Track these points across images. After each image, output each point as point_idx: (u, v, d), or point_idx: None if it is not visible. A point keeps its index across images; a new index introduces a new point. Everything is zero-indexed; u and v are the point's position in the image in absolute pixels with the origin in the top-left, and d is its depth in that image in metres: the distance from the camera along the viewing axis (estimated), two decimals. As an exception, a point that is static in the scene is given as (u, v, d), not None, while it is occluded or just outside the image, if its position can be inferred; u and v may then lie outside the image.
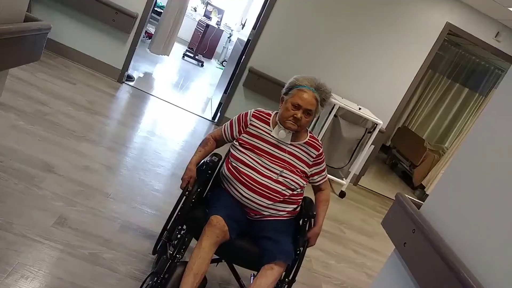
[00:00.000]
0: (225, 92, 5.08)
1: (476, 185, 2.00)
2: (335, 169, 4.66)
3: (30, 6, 4.41)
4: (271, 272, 1.77)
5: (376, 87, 5.03)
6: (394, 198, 2.43)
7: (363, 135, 4.57)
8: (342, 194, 4.69)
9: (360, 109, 4.55)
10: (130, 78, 5.11)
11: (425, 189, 5.95)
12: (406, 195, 2.42)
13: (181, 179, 2.00)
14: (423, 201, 2.30)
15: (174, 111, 4.97)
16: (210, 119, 5.19)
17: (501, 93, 2.14)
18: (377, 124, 4.51)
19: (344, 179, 4.74)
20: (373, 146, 5.11)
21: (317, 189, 2.17)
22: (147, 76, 6.05)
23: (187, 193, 1.95)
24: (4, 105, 3.03)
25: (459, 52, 7.19)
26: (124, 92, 4.75)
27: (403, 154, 6.92)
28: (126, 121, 4.06)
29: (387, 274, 2.40)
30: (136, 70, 5.73)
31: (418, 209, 2.30)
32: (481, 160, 2.04)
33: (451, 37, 6.30)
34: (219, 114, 5.12)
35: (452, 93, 7.38)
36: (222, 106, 5.07)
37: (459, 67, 7.32)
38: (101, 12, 4.53)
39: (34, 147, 2.77)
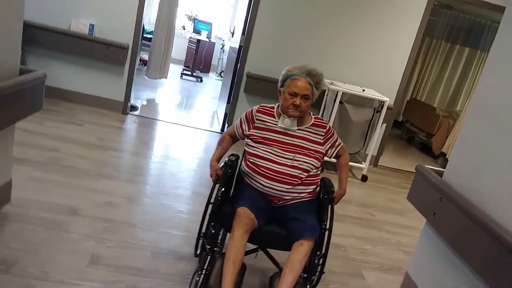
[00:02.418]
0: (228, 102, 5.11)
1: (491, 140, 1.97)
2: (351, 154, 4.63)
3: (24, 59, 4.51)
4: (301, 248, 1.92)
5: (375, 65, 4.99)
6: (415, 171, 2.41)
7: (372, 116, 4.53)
8: (364, 178, 4.65)
9: (364, 90, 4.52)
10: (133, 108, 5.17)
11: (446, 156, 5.87)
12: (426, 165, 2.40)
13: (210, 176, 2.18)
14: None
15: (182, 131, 5.01)
16: (219, 131, 5.22)
17: (497, 45, 2.11)
18: (384, 102, 4.47)
19: (363, 162, 4.70)
20: (385, 124, 5.07)
21: (336, 157, 2.33)
22: (150, 102, 6.11)
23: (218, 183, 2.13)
24: (18, 159, 3.09)
25: (452, 14, 7.10)
26: (130, 122, 4.81)
27: (417, 126, 6.84)
28: (138, 151, 4.10)
29: (422, 247, 2.38)
30: (139, 99, 5.79)
31: (441, 177, 2.28)
32: (491, 115, 2.01)
33: (441, 0, 6.22)
34: (226, 124, 5.14)
35: (454, 55, 7.29)
36: (228, 116, 5.09)
37: (455, 28, 7.22)
38: (92, 50, 4.61)
39: (55, 194, 2.82)
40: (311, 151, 2.16)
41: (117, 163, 3.61)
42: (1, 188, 2.45)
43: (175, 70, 8.45)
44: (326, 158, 2.29)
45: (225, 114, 5.16)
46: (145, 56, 7.41)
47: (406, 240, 3.40)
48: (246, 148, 2.24)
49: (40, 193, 2.78)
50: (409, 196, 2.45)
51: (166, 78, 6.26)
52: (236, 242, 1.93)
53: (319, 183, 2.22)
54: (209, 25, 9.11)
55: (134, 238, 2.54)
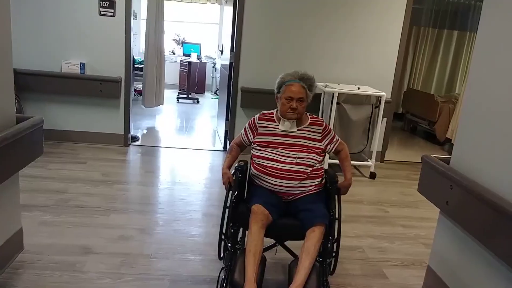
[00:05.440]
0: (226, 119, 5.12)
1: (491, 119, 1.95)
2: (356, 153, 4.60)
3: (21, 107, 4.55)
4: (314, 234, 2.08)
5: (367, 62, 4.99)
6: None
7: (372, 112, 4.52)
8: (372, 175, 4.62)
9: (359, 88, 4.52)
10: (134, 138, 5.18)
11: (452, 141, 5.84)
12: (432, 154, 2.39)
13: (223, 183, 2.34)
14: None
15: (186, 154, 5.02)
16: (222, 149, 5.22)
17: (484, 22, 2.11)
18: (381, 97, 4.46)
19: (369, 160, 4.67)
20: (385, 119, 5.05)
21: (336, 152, 2.49)
22: (150, 130, 6.14)
23: (231, 192, 2.29)
24: (27, 206, 3.09)
25: None
26: (133, 153, 4.82)
27: (418, 116, 6.83)
28: (144, 180, 4.10)
29: (440, 237, 2.35)
30: (139, 129, 5.82)
31: (448, 164, 2.26)
32: (488, 94, 2.00)
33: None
34: (228, 142, 5.14)
35: (444, 40, 7.32)
36: (228, 133, 5.10)
37: (440, 13, 7.26)
38: (86, 88, 4.64)
39: (67, 236, 2.81)
40: (312, 148, 2.34)
41: (125, 195, 3.61)
42: (13, 237, 2.44)
43: (170, 95, 8.49)
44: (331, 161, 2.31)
45: (226, 131, 5.16)
46: (139, 86, 7.45)
47: (425, 232, 3.35)
48: (253, 152, 2.42)
49: (52, 237, 2.77)
50: (419, 187, 2.43)
51: (162, 104, 6.30)
52: (254, 236, 2.08)
53: (323, 175, 2.39)
54: (197, 46, 9.18)
55: (151, 269, 2.53)
